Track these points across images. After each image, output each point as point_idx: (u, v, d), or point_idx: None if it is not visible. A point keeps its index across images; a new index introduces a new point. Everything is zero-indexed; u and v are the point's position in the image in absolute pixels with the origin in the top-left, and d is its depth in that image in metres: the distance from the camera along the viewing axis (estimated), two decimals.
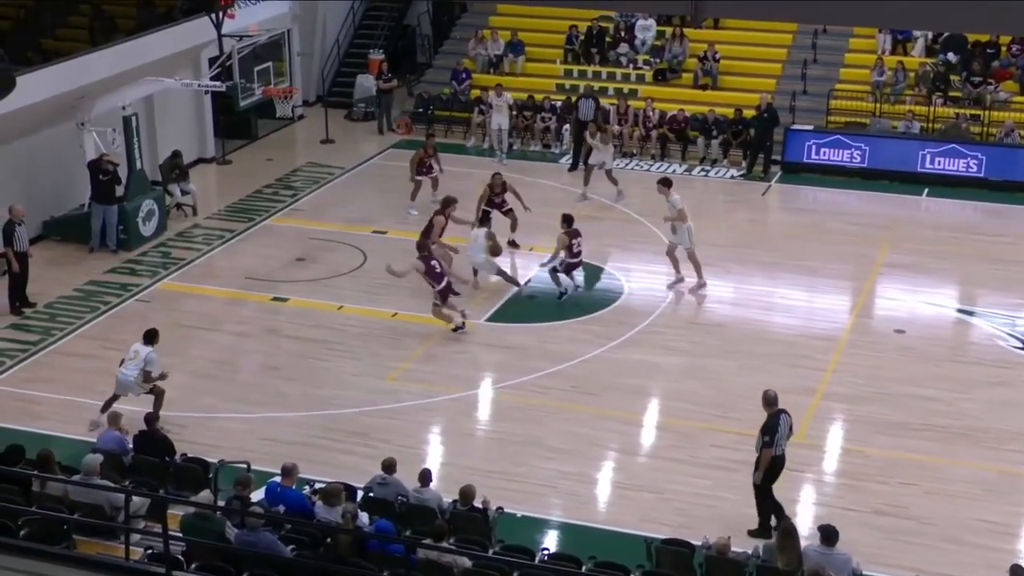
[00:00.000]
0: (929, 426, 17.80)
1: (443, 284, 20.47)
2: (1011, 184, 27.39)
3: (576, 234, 22.15)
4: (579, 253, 22.23)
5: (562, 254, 22.03)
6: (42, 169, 24.39)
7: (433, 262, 20.46)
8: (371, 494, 14.49)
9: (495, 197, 24.07)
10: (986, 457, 17.11)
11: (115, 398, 17.42)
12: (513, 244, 24.15)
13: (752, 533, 15.00)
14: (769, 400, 15.27)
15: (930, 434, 17.62)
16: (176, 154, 26.33)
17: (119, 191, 24.09)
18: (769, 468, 15.02)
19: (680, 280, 22.43)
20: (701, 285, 22.26)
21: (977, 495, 16.21)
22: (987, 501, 16.09)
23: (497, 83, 30.17)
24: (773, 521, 14.97)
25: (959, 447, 17.35)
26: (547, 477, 16.58)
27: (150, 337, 17.70)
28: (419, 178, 25.50)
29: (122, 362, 17.58)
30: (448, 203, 22.76)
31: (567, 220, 22.25)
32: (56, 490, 13.87)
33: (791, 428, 15.24)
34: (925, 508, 15.86)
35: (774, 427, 15.03)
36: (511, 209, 24.14)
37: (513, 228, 24.21)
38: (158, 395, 17.46)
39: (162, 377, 17.52)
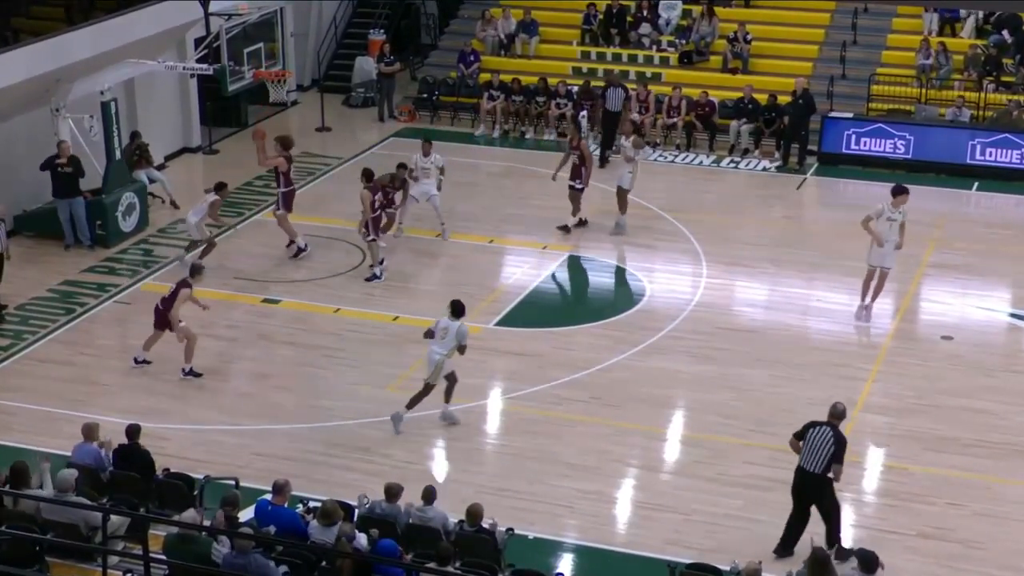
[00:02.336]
0: (980, 442, 17.71)
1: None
2: None
3: (376, 189, 22.69)
4: (381, 207, 22.78)
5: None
6: (15, 159, 24.41)
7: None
8: (377, 511, 14.43)
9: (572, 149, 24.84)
10: None
11: (427, 387, 17.94)
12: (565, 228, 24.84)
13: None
14: (833, 413, 15.19)
15: (981, 450, 17.54)
16: (135, 135, 26.27)
17: (99, 183, 24.14)
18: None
19: (867, 310, 21.42)
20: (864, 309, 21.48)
21: None
22: None
23: (424, 138, 25.45)
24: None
25: (1014, 465, 17.25)
26: (563, 496, 16.54)
27: (458, 310, 17.88)
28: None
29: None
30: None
31: (367, 175, 22.82)
32: (28, 508, 13.86)
33: (825, 444, 14.82)
34: (975, 531, 15.78)
35: (802, 433, 15.06)
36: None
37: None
38: (451, 381, 17.95)
39: (461, 351, 17.87)
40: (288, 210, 23.81)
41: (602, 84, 30.13)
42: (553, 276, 23.35)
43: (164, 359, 20.05)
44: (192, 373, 19.46)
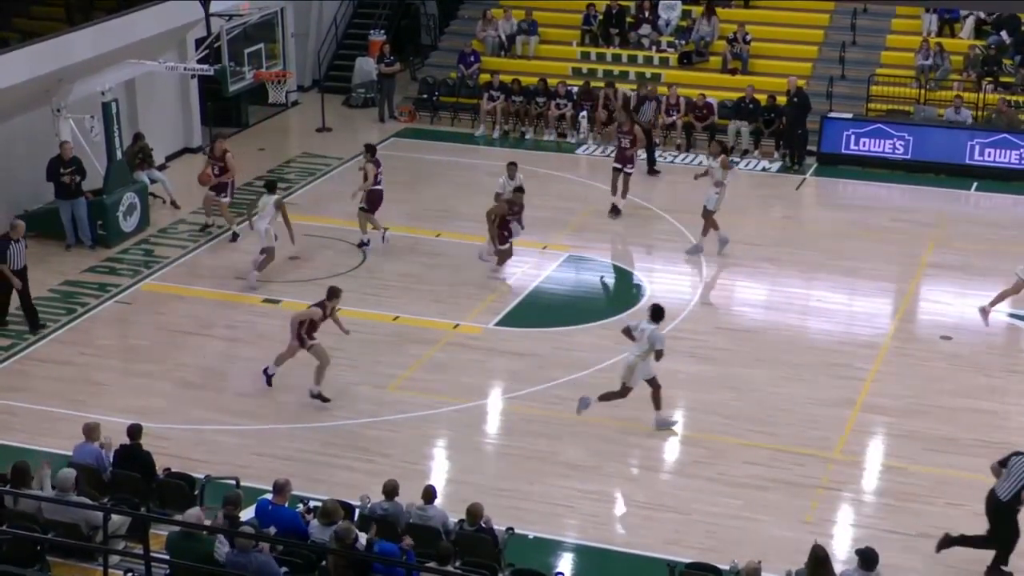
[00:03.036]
0: (981, 442, 17.66)
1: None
2: None
3: (380, 164, 23.70)
4: (380, 182, 23.72)
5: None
6: (16, 159, 24.40)
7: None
8: (378, 512, 14.42)
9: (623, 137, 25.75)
10: None
11: (624, 389, 17.94)
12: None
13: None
14: None
15: (982, 450, 17.46)
16: (138, 137, 26.27)
17: (100, 183, 24.15)
18: None
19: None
20: None
21: None
22: None
23: (511, 161, 24.73)
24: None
25: None
26: (563, 496, 16.53)
27: (656, 314, 17.88)
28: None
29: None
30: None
31: (371, 150, 24.09)
32: (29, 507, 13.86)
33: (1020, 473, 14.56)
34: (975, 531, 15.63)
35: (1005, 461, 14.92)
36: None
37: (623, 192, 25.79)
38: (654, 387, 17.86)
39: (657, 357, 17.75)
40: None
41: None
42: (552, 276, 23.30)
43: (166, 358, 20.06)
44: (320, 397, 18.68)
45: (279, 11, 27.61)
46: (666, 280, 23.25)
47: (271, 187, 23.37)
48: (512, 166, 24.21)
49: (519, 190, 23.14)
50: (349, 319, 21.33)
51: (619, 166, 25.60)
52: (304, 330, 18.66)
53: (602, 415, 18.38)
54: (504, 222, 22.76)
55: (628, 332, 17.99)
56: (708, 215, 23.65)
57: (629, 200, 26.03)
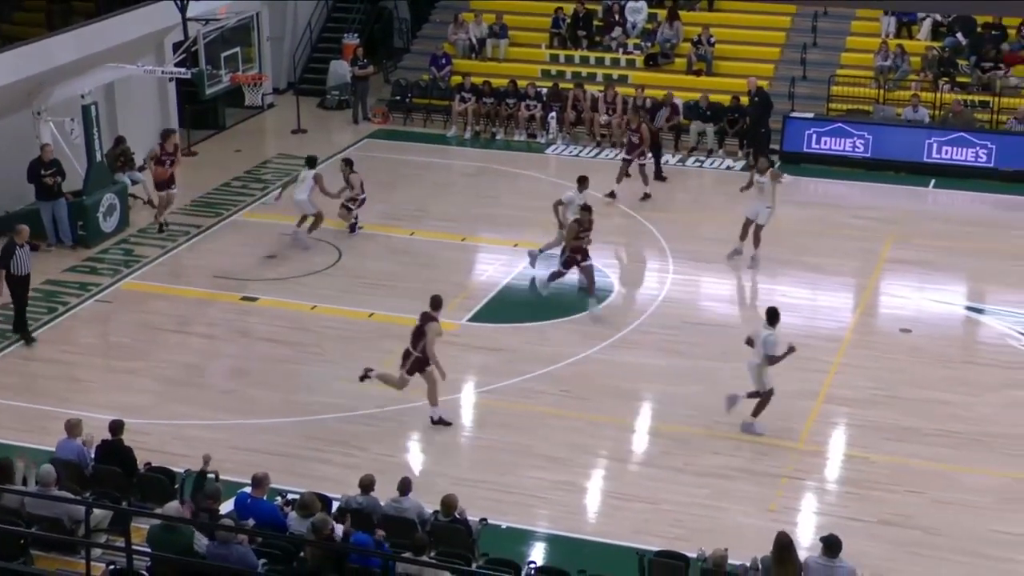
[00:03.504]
0: (939, 431, 17.76)
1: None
2: (1023, 175, 27.43)
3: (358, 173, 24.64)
4: (363, 190, 24.56)
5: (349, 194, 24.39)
6: None
7: None
8: (353, 505, 14.40)
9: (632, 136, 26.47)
10: (1001, 463, 17.07)
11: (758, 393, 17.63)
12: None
13: None
14: None
15: (940, 439, 17.60)
16: (120, 140, 26.21)
17: (80, 184, 24.03)
18: None
19: None
20: None
21: (992, 504, 16.16)
22: (1003, 511, 16.03)
23: (583, 175, 23.44)
24: None
25: (972, 454, 17.31)
26: (534, 486, 16.52)
27: (770, 317, 17.68)
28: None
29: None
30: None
31: (349, 163, 24.69)
32: (12, 502, 13.79)
33: None
34: (935, 518, 15.82)
35: None
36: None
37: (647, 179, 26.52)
38: (764, 397, 17.54)
39: (791, 350, 17.48)
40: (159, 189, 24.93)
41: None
42: (523, 273, 23.26)
43: (146, 355, 19.98)
44: (442, 421, 17.98)
45: (255, 15, 27.47)
46: (632, 276, 23.28)
47: (311, 162, 24.37)
48: (583, 181, 23.04)
49: (586, 208, 22.12)
50: (327, 316, 21.37)
51: (629, 157, 26.24)
52: (421, 349, 17.74)
53: (574, 409, 18.42)
54: (579, 238, 21.70)
55: (750, 341, 17.72)
56: (757, 230, 23.05)
57: (603, 198, 26.06)
